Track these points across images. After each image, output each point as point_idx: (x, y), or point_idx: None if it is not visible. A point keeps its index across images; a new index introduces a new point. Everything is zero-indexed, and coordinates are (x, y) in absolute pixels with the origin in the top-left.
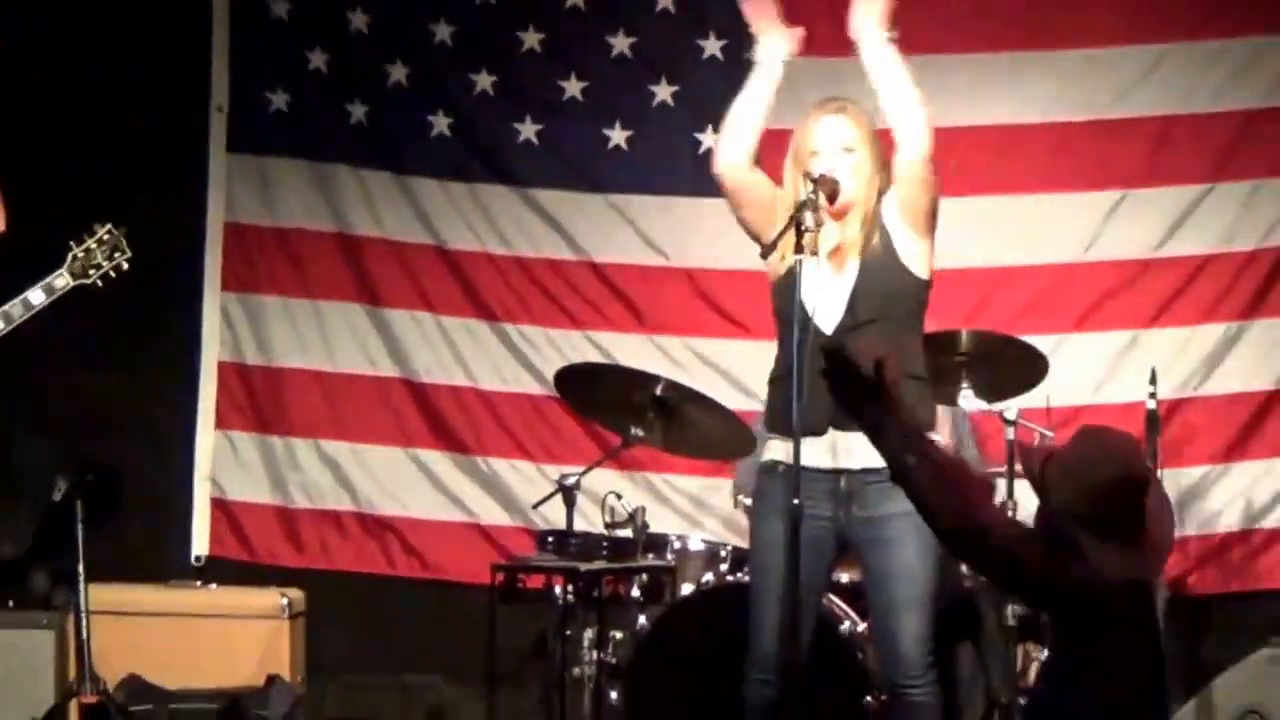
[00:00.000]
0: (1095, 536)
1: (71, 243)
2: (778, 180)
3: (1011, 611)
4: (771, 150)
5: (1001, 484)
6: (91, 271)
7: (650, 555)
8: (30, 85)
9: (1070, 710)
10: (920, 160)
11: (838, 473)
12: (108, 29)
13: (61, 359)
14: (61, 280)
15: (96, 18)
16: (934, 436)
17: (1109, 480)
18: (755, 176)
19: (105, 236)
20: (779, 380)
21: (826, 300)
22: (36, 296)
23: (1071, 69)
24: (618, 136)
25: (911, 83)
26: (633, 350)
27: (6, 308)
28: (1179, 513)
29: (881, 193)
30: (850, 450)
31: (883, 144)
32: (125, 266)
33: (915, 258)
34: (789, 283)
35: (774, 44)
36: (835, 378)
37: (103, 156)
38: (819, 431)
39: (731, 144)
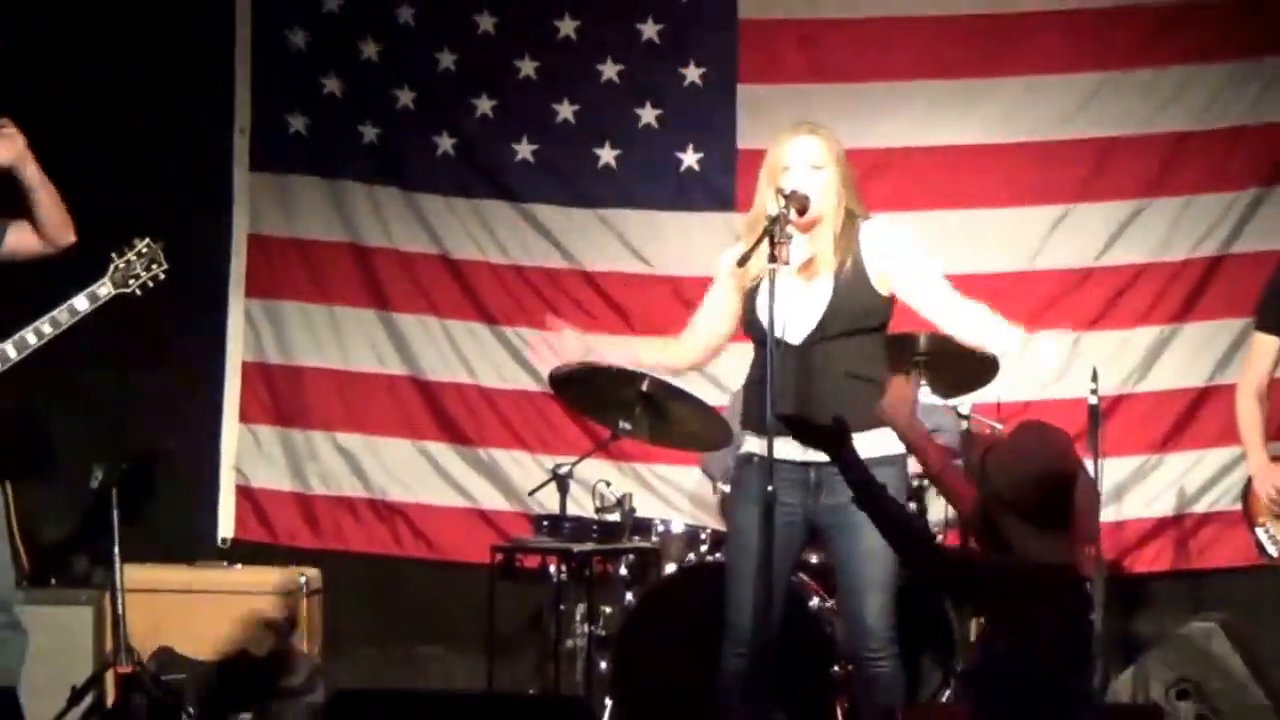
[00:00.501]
0: (1026, 523)
1: (113, 254)
2: (747, 202)
3: None
4: (750, 168)
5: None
6: (131, 281)
7: (636, 538)
8: (73, 115)
9: (1001, 679)
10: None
11: (807, 465)
12: (142, 62)
13: (99, 359)
14: (104, 289)
15: (132, 52)
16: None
17: (1041, 472)
18: (698, 348)
19: (144, 250)
20: (754, 385)
21: (797, 312)
22: (81, 304)
23: (1019, 96)
24: (606, 156)
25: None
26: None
27: (53, 314)
28: (1119, 499)
29: (852, 212)
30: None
31: (854, 167)
32: (162, 277)
33: (883, 281)
34: (760, 294)
35: (596, 352)
36: (798, 433)
37: (138, 175)
38: (788, 432)
39: (670, 367)
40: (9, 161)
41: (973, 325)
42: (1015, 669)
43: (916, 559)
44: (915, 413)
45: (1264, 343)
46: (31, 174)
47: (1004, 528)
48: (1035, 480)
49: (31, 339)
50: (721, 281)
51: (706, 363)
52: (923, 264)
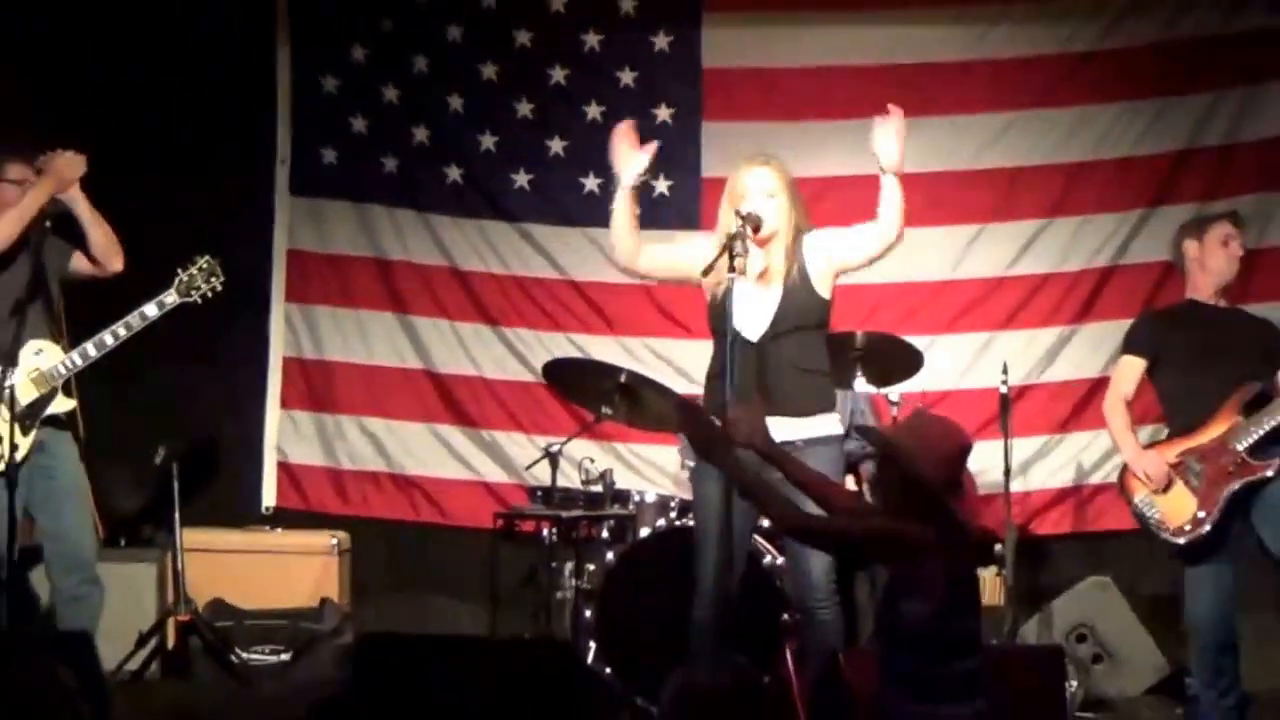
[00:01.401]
0: (950, 495)
1: (178, 269)
2: (712, 225)
3: None
4: (714, 194)
5: None
6: (193, 292)
7: (616, 506)
8: (140, 149)
9: (902, 621)
10: (885, 246)
11: None
12: (198, 104)
13: (163, 355)
14: (170, 298)
15: (189, 97)
16: (834, 415)
17: (956, 450)
18: (651, 257)
19: (205, 265)
20: (715, 378)
21: (753, 313)
22: (150, 310)
23: (941, 132)
24: (591, 184)
25: (902, 201)
26: (603, 348)
27: (127, 319)
28: (1026, 472)
29: (799, 229)
30: (776, 431)
31: (801, 191)
32: (219, 288)
33: (824, 285)
34: (720, 301)
35: (632, 169)
36: (687, 426)
37: (195, 200)
38: None
39: (619, 253)
40: (74, 178)
41: (878, 225)
42: (917, 612)
43: (801, 538)
44: (768, 433)
45: (1130, 364)
46: (83, 208)
47: (915, 498)
48: (957, 455)
49: (109, 340)
50: (694, 245)
51: (635, 272)
52: (847, 232)
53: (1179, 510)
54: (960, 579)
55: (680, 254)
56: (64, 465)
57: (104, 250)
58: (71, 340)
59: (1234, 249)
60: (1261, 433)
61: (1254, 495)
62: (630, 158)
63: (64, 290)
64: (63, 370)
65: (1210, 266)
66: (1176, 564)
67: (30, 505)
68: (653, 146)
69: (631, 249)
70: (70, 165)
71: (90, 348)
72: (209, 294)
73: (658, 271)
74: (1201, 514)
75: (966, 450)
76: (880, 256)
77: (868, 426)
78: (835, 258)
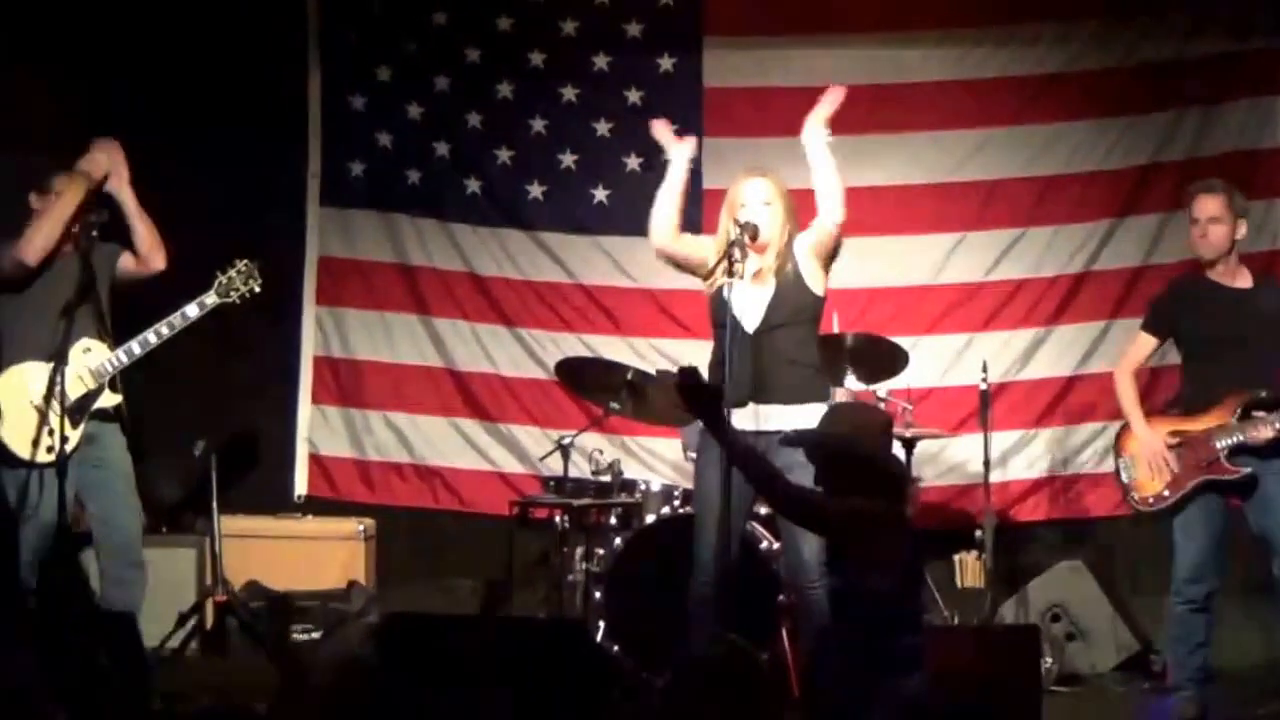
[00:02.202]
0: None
1: (218, 271)
2: (712, 230)
3: None
4: (715, 204)
5: None
6: (232, 293)
7: (623, 494)
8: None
9: (863, 597)
10: (835, 223)
11: (758, 434)
12: (237, 122)
13: (204, 353)
14: (210, 299)
15: (230, 115)
16: (824, 406)
17: (886, 422)
18: (682, 242)
19: (243, 268)
20: (714, 367)
21: (750, 309)
22: (191, 311)
23: (923, 147)
24: (600, 195)
25: (837, 170)
26: (611, 347)
27: (170, 319)
28: (1005, 463)
29: (792, 235)
30: (768, 417)
31: (794, 200)
32: (258, 290)
33: (815, 282)
34: (721, 297)
35: (680, 151)
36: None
37: (234, 210)
38: (743, 404)
39: (659, 222)
40: (109, 168)
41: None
42: (876, 587)
43: (781, 506)
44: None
45: (1145, 340)
46: (130, 202)
47: (868, 479)
48: (888, 427)
49: (152, 339)
50: (705, 245)
51: (665, 251)
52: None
53: (1151, 483)
54: (909, 559)
55: (702, 246)
56: (112, 455)
57: (148, 246)
58: (116, 339)
59: (1199, 232)
60: (1240, 440)
61: (1247, 489)
62: (676, 143)
63: (112, 292)
64: (109, 367)
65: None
66: (1145, 547)
67: (81, 493)
68: (692, 140)
69: (672, 225)
70: (97, 162)
71: (135, 346)
72: (247, 295)
73: (680, 254)
74: (1166, 494)
75: (890, 423)
76: (839, 220)
77: (798, 433)
78: (815, 244)
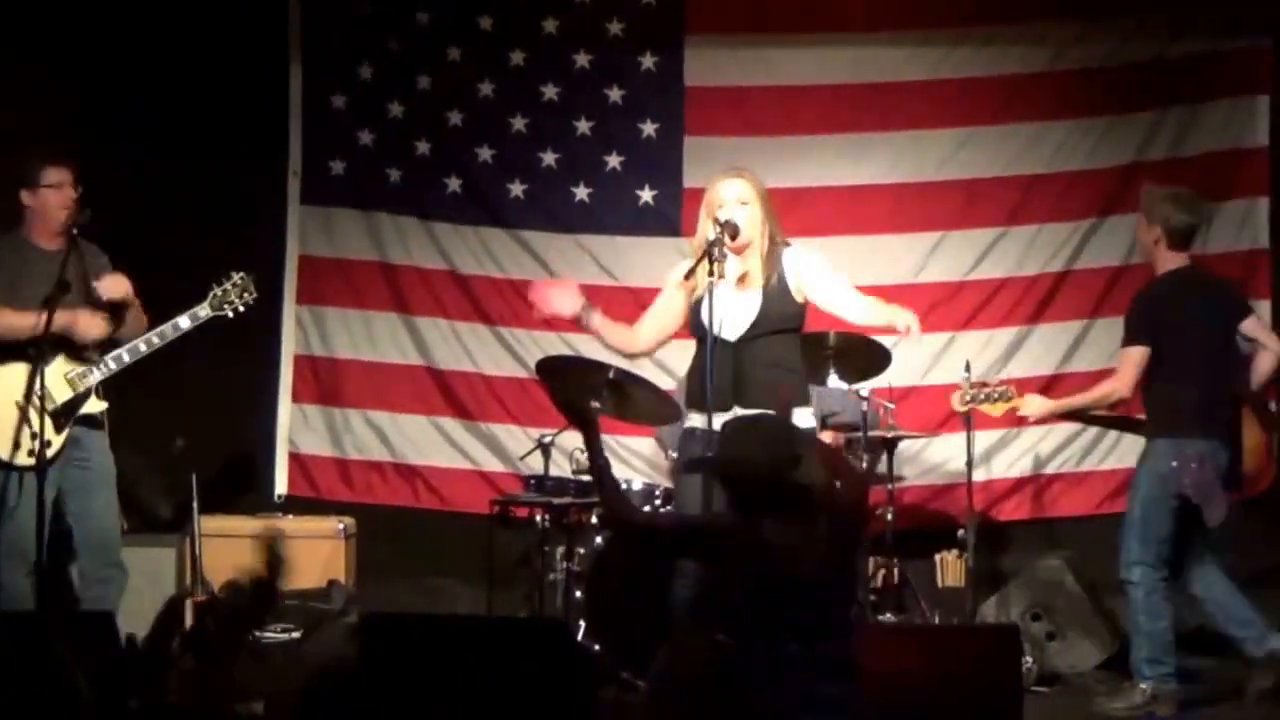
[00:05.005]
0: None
1: (213, 283)
2: (692, 229)
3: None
4: (694, 203)
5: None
6: (226, 306)
7: None
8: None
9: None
10: (842, 317)
11: None
12: (218, 121)
13: (183, 352)
14: (204, 311)
15: (210, 115)
16: (808, 410)
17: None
18: (645, 339)
19: (239, 280)
20: (695, 373)
21: (733, 316)
22: (184, 322)
23: (904, 146)
24: (581, 193)
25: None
26: (592, 346)
27: (161, 329)
28: (988, 462)
29: (774, 238)
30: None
31: (774, 201)
32: (252, 304)
33: (800, 294)
34: (702, 308)
35: (586, 311)
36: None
37: (215, 209)
38: (725, 407)
39: (623, 349)
40: (121, 297)
41: (877, 311)
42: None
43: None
44: None
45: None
46: (133, 311)
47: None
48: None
49: (142, 348)
50: (668, 291)
51: (653, 352)
52: (836, 281)
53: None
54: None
55: (659, 315)
56: (96, 457)
57: (130, 335)
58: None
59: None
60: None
61: None
62: (562, 299)
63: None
64: (95, 375)
65: None
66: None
67: (62, 493)
68: (571, 282)
69: (632, 342)
70: (90, 327)
71: (125, 354)
72: (241, 308)
73: (657, 341)
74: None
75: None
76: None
77: (701, 459)
78: (805, 282)
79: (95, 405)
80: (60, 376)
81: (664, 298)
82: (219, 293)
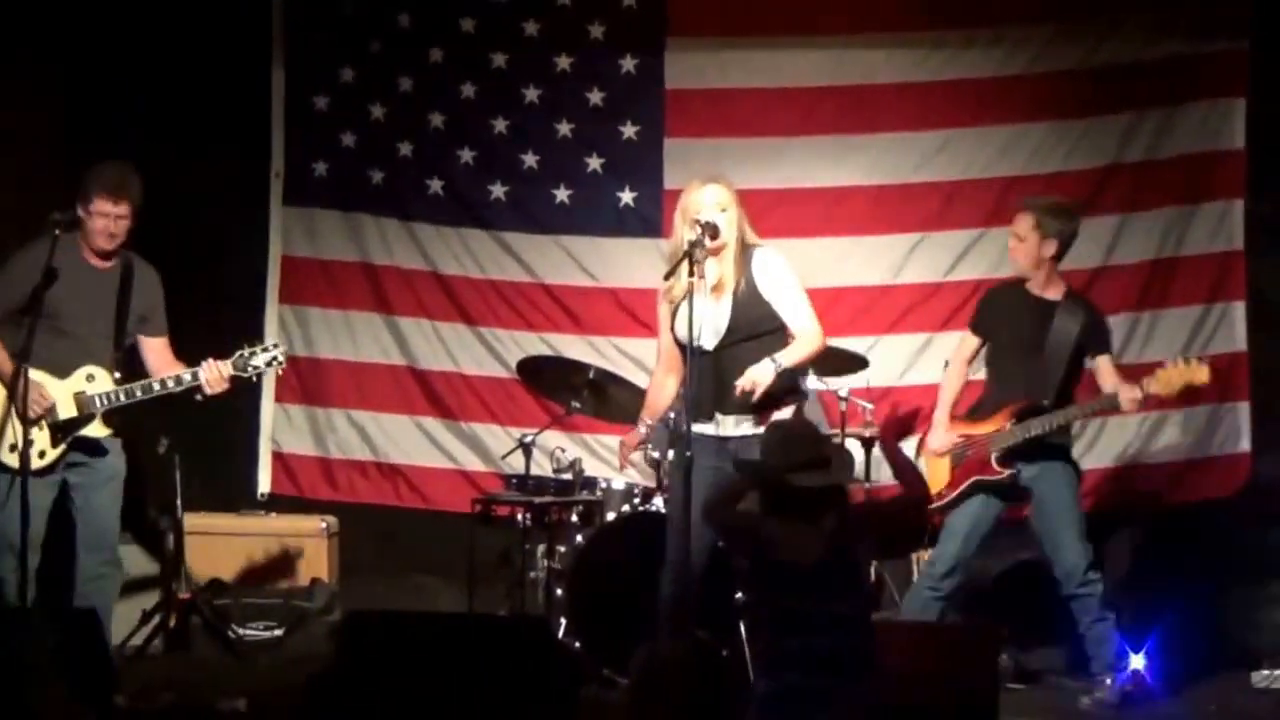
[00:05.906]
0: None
1: (244, 343)
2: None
3: None
4: (674, 204)
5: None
6: (250, 369)
7: (584, 492)
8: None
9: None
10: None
11: (725, 439)
12: (202, 123)
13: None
14: (227, 369)
15: (195, 118)
16: (790, 409)
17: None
18: (673, 362)
19: (269, 348)
20: (684, 381)
21: (708, 324)
22: (204, 374)
23: (883, 148)
24: (562, 195)
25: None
26: (572, 346)
27: (180, 374)
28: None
29: (745, 243)
30: (727, 424)
31: (747, 207)
32: (280, 372)
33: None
34: (675, 318)
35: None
36: None
37: (200, 209)
38: (708, 414)
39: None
40: (220, 392)
41: (799, 350)
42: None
43: None
44: None
45: (969, 339)
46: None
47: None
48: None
49: (156, 387)
50: (663, 319)
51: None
52: (785, 301)
53: (935, 479)
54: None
55: (667, 350)
56: (106, 457)
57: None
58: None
59: (1010, 245)
60: (1013, 443)
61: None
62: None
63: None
64: (99, 404)
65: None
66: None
67: (68, 487)
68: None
69: (664, 396)
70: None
71: (137, 390)
72: (264, 372)
73: (678, 360)
74: (946, 491)
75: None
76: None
77: (747, 461)
78: (763, 287)
79: (97, 430)
80: (69, 393)
81: (663, 332)
82: (245, 354)
